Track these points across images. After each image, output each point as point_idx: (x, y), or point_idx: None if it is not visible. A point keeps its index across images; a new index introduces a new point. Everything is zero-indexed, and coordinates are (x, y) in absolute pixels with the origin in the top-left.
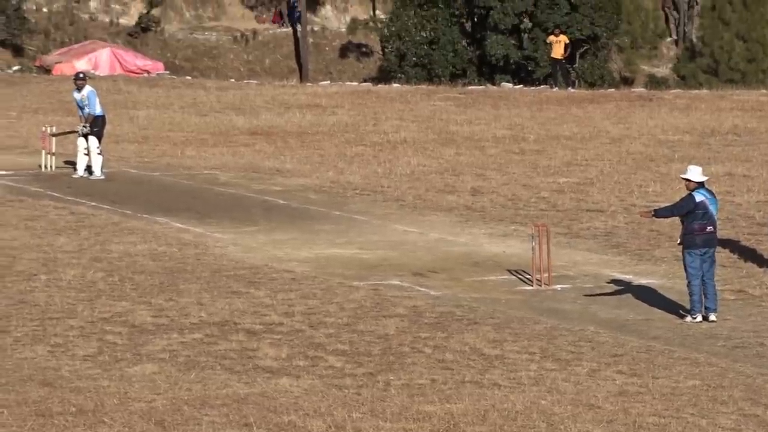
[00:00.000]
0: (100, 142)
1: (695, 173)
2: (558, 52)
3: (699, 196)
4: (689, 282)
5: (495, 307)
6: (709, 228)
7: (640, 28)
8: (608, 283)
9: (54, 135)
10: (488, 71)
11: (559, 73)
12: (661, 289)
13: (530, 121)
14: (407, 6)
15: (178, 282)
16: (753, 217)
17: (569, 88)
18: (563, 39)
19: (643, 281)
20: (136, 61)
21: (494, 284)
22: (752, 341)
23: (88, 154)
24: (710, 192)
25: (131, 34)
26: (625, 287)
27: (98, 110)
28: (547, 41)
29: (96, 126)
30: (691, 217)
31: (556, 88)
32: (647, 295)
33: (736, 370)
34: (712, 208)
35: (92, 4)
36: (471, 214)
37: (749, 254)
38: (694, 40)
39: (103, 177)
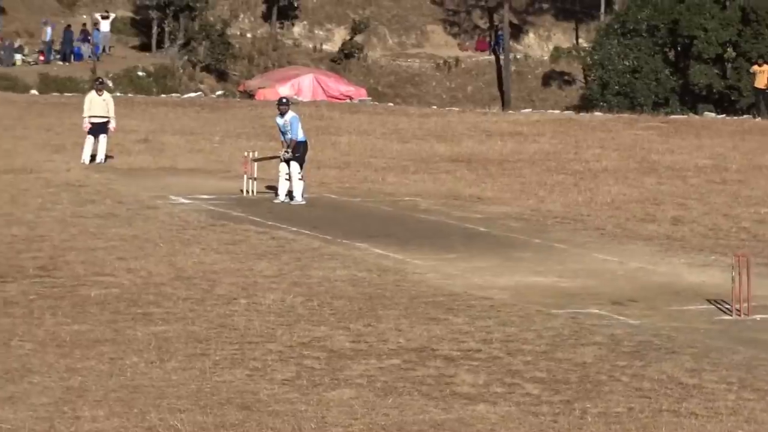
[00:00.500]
0: (301, 167)
1: None
2: (762, 81)
3: None
4: None
5: (694, 336)
6: None
7: None
8: None
9: (256, 160)
10: (691, 100)
11: (762, 103)
12: None
13: (732, 151)
14: (610, 35)
15: (376, 308)
16: None
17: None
18: (767, 69)
19: None
20: (339, 86)
21: (693, 314)
22: None
23: (289, 179)
24: None
25: (334, 60)
26: None
27: (300, 136)
28: (751, 71)
29: (298, 151)
30: None
31: (759, 118)
32: None
33: None
34: None
35: (296, 30)
36: (671, 243)
37: None
38: None
39: (304, 202)
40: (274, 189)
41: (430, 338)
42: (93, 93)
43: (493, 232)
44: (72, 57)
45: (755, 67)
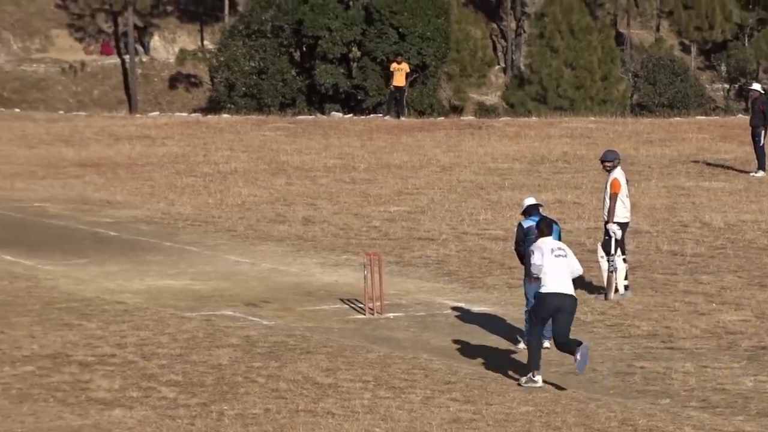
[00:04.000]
0: None
1: (527, 200)
2: (400, 79)
3: (527, 223)
4: (527, 309)
5: (328, 336)
6: None
7: (469, 57)
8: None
9: None
10: (318, 100)
11: (402, 101)
12: (493, 316)
13: (360, 150)
14: (235, 36)
15: (9, 315)
16: (583, 244)
17: (401, 117)
18: (405, 67)
19: (476, 309)
20: None
21: (327, 313)
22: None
23: None
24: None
25: None
26: (460, 314)
27: None
28: (391, 69)
29: None
30: (526, 244)
31: (393, 116)
32: (480, 322)
33: (569, 396)
34: None
35: None
36: (303, 243)
37: (578, 281)
38: (522, 67)
39: None
40: None
41: (65, 344)
42: None
43: (123, 236)
44: None
45: (394, 65)
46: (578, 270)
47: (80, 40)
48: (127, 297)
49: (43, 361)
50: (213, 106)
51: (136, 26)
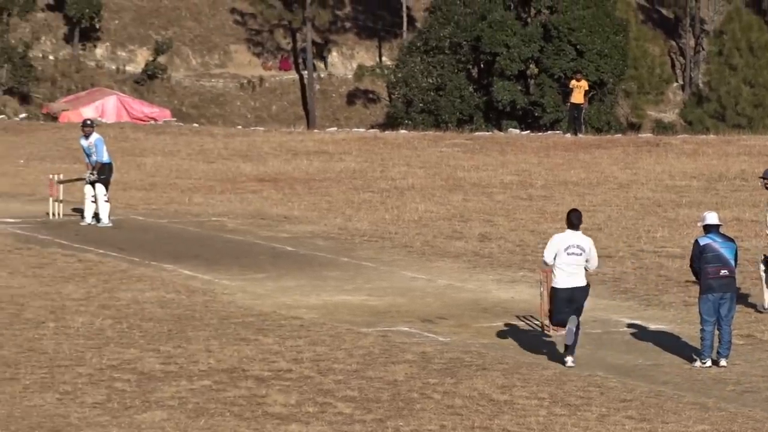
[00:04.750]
0: (107, 189)
1: (709, 217)
2: (579, 97)
3: (704, 240)
4: (702, 327)
5: (504, 352)
6: (723, 272)
7: (647, 74)
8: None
9: (61, 182)
10: (495, 117)
11: (580, 118)
12: (670, 334)
13: (537, 167)
14: (413, 53)
15: (186, 329)
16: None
17: (579, 134)
18: (584, 84)
19: (652, 326)
20: (143, 108)
21: (502, 330)
22: (761, 386)
23: (95, 202)
24: (724, 236)
25: (138, 81)
26: (637, 332)
27: (106, 158)
28: (570, 86)
29: (103, 173)
30: (702, 261)
31: (572, 134)
32: (656, 340)
33: (746, 415)
34: (724, 251)
35: (99, 52)
36: (479, 260)
37: (758, 299)
38: (701, 85)
39: (110, 224)
40: (80, 211)
41: (241, 359)
42: None
43: (300, 251)
44: None
45: (573, 82)
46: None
47: (258, 55)
48: (304, 312)
49: (220, 376)
50: (390, 122)
51: (314, 42)
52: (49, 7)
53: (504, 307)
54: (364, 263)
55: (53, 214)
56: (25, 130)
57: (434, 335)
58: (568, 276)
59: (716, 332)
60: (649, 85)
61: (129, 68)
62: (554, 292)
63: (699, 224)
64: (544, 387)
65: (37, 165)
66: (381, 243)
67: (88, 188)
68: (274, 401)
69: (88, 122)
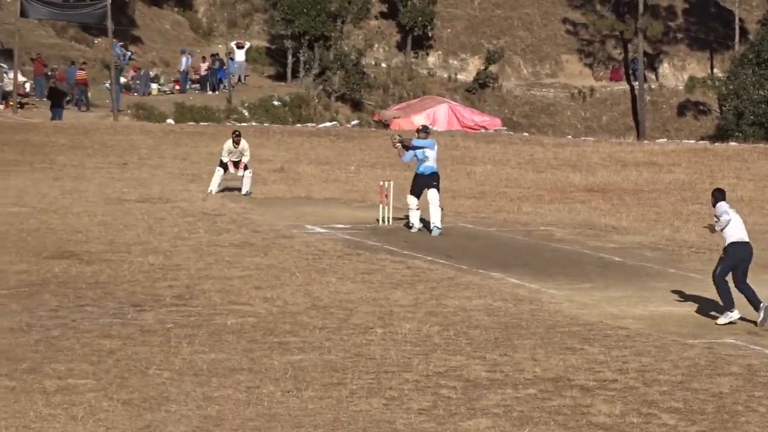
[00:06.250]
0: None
1: None
2: None
3: None
4: None
5: None
6: None
7: None
8: None
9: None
10: None
11: None
12: None
13: None
14: (745, 65)
15: (512, 337)
16: None
17: None
18: None
19: None
20: (474, 116)
21: None
22: None
23: (418, 209)
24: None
25: (469, 90)
26: None
27: (433, 165)
28: None
29: (436, 180)
30: None
31: None
32: None
33: None
34: None
35: (431, 60)
36: None
37: None
38: None
39: (440, 231)
40: (408, 219)
41: (566, 368)
42: (230, 142)
43: (628, 262)
44: (218, 86)
45: None
46: None
47: (589, 65)
48: (630, 322)
49: (545, 384)
50: (721, 134)
51: (645, 53)
52: (383, 15)
53: None
54: (691, 275)
55: (383, 221)
56: (357, 137)
57: (760, 348)
58: None
59: None
60: None
61: (460, 77)
62: None
63: None
64: None
65: (368, 171)
66: (709, 255)
67: (411, 199)
68: (598, 411)
69: (426, 128)
